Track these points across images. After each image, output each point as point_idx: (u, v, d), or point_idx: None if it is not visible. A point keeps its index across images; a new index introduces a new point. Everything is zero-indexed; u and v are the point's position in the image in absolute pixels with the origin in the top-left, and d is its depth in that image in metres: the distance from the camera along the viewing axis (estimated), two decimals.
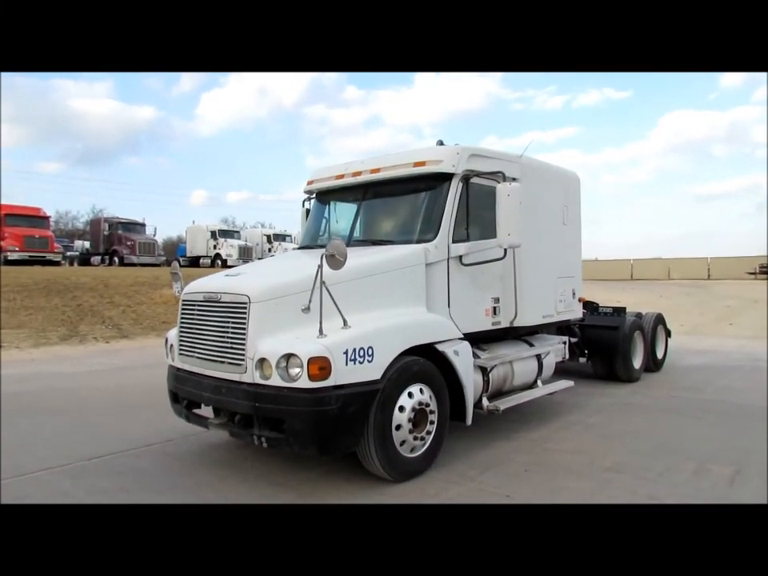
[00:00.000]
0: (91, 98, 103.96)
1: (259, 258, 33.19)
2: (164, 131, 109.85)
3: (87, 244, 35.93)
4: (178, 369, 4.98)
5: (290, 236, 36.62)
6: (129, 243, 29.45)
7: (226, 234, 33.72)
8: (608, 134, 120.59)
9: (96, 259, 30.25)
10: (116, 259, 29.28)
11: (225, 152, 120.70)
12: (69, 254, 34.68)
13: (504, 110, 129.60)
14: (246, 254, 31.75)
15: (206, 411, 4.89)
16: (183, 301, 4.96)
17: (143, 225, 31.78)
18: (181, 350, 4.90)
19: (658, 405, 7.04)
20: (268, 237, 35.30)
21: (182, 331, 4.92)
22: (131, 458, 5.21)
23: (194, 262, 32.58)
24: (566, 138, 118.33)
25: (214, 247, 32.83)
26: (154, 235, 32.78)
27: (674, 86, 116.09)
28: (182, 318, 4.94)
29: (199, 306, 4.76)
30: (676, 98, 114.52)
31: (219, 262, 31.81)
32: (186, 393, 4.86)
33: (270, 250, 34.25)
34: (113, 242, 29.97)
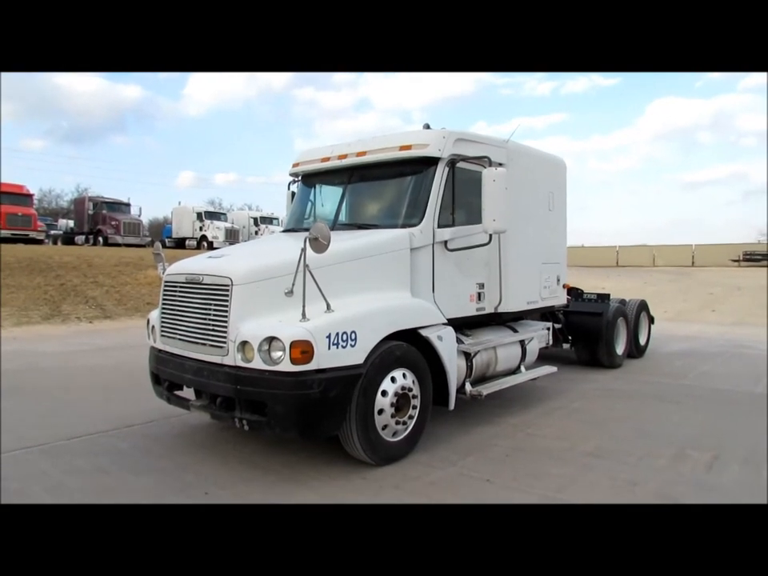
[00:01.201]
0: (78, 74, 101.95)
1: (245, 241, 33.07)
2: (151, 110, 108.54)
3: (71, 223, 35.41)
4: (160, 350, 4.94)
5: (277, 219, 36.29)
6: (113, 223, 29.05)
7: (213, 215, 33.33)
8: (596, 121, 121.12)
9: (80, 239, 29.85)
10: (100, 239, 28.90)
11: (212, 133, 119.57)
12: (52, 232, 34.17)
13: (493, 95, 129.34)
14: (232, 236, 31.44)
15: (188, 393, 4.86)
16: (165, 282, 4.90)
17: (128, 205, 31.38)
18: (162, 331, 4.85)
19: (639, 391, 7.10)
20: (255, 219, 34.98)
21: (163, 313, 4.86)
22: (111, 439, 5.19)
23: (180, 243, 32.21)
24: (555, 124, 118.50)
25: (200, 229, 32.42)
26: (139, 215, 32.40)
27: (662, 74, 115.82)
28: (164, 299, 4.88)
29: (181, 287, 4.70)
30: (663, 86, 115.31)
31: (205, 244, 31.44)
32: (168, 374, 4.82)
33: (256, 233, 33.95)
34: (97, 221, 29.56)
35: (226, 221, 33.39)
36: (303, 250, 4.00)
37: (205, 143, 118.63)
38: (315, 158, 5.99)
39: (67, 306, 13.91)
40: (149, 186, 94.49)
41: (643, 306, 9.51)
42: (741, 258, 45.70)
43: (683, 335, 11.91)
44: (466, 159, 5.35)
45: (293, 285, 4.11)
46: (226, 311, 4.26)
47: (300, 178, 6.36)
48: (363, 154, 5.52)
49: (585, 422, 5.75)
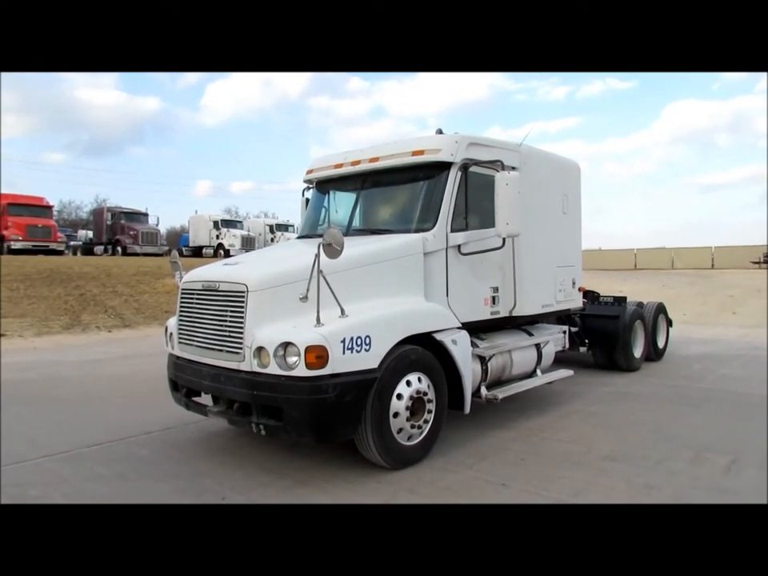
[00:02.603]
0: (97, 88, 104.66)
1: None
2: (169, 122, 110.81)
3: (90, 234, 35.99)
4: (178, 357, 5.01)
5: (292, 226, 36.58)
6: (132, 233, 29.51)
7: (229, 223, 33.74)
8: (612, 124, 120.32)
9: (99, 249, 30.34)
10: (119, 249, 29.37)
11: (229, 142, 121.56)
12: (72, 243, 34.78)
13: (508, 101, 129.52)
14: (248, 244, 31.78)
15: (206, 399, 4.92)
16: (182, 290, 4.97)
17: (146, 214, 31.86)
18: (180, 338, 4.92)
19: (657, 394, 7.03)
20: (270, 227, 35.36)
21: (181, 320, 4.94)
22: (130, 446, 5.25)
23: (197, 251, 32.62)
24: (570, 128, 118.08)
25: (217, 237, 32.85)
26: (157, 225, 32.88)
27: (678, 76, 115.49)
28: (182, 306, 4.95)
29: (198, 294, 4.77)
30: (680, 88, 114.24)
31: (222, 252, 31.84)
32: (186, 381, 4.88)
33: (272, 240, 34.29)
34: (116, 231, 30.05)
35: (242, 229, 33.75)
36: (317, 255, 4.05)
37: (222, 153, 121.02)
38: (329, 165, 6.05)
39: (87, 315, 14.13)
40: (167, 195, 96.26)
41: (661, 309, 9.40)
42: (761, 260, 44.92)
43: (702, 338, 11.77)
44: (478, 163, 5.37)
45: (307, 290, 4.16)
46: (242, 317, 4.31)
47: (314, 184, 6.42)
48: (376, 159, 5.57)
49: (601, 426, 5.72)
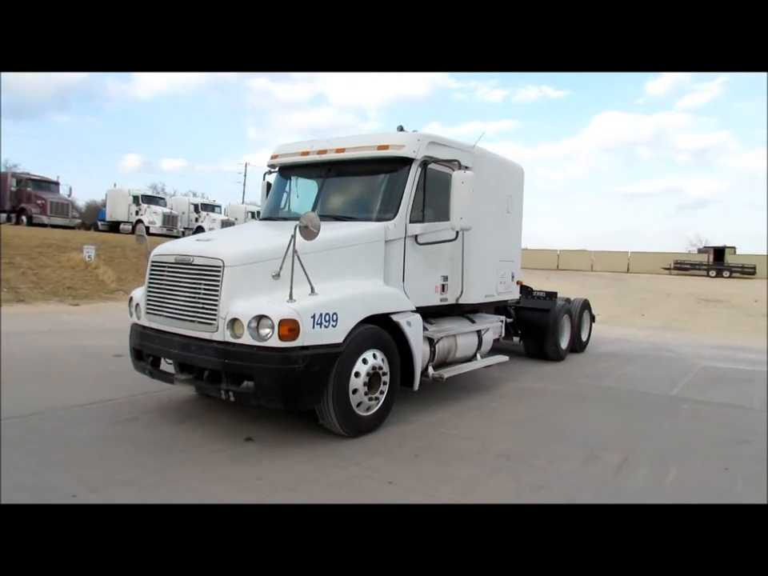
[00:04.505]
0: None
1: (185, 228, 32.64)
2: (97, 90, 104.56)
3: None
4: (144, 327, 5.32)
5: (219, 206, 36.10)
6: (39, 202, 27.99)
7: (150, 199, 32.66)
8: (545, 130, 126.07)
9: (1, 216, 28.57)
10: (23, 218, 27.79)
11: (162, 117, 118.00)
12: None
13: (447, 98, 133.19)
14: (170, 222, 31.05)
15: (168, 368, 5.31)
16: (153, 262, 5.29)
17: (57, 183, 30.29)
18: (149, 308, 5.25)
19: (560, 391, 7.35)
20: (195, 206, 34.58)
21: (150, 291, 5.25)
22: None
23: (114, 227, 31.42)
24: (506, 130, 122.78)
25: (136, 213, 31.76)
26: (69, 195, 31.36)
27: (607, 88, 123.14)
28: (151, 278, 5.27)
29: (170, 267, 5.11)
30: (607, 100, 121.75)
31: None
32: (153, 350, 5.22)
33: (196, 220, 33.65)
34: (21, 199, 28.36)
35: (165, 206, 32.82)
36: (293, 236, 4.52)
37: (153, 128, 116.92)
38: (295, 152, 6.50)
39: None
40: (91, 167, 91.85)
41: (586, 305, 10.58)
42: (672, 267, 49.28)
43: (612, 338, 12.59)
44: (437, 161, 6.02)
45: (280, 268, 4.64)
46: (217, 290, 4.71)
47: (277, 169, 6.84)
48: (342, 150, 6.09)
49: (500, 422, 5.86)
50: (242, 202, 44.64)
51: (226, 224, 32.13)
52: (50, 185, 29.69)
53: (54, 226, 26.49)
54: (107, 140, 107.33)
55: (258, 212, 31.91)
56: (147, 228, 30.16)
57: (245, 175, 61.23)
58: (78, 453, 4.53)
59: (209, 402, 5.97)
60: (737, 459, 4.99)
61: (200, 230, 32.50)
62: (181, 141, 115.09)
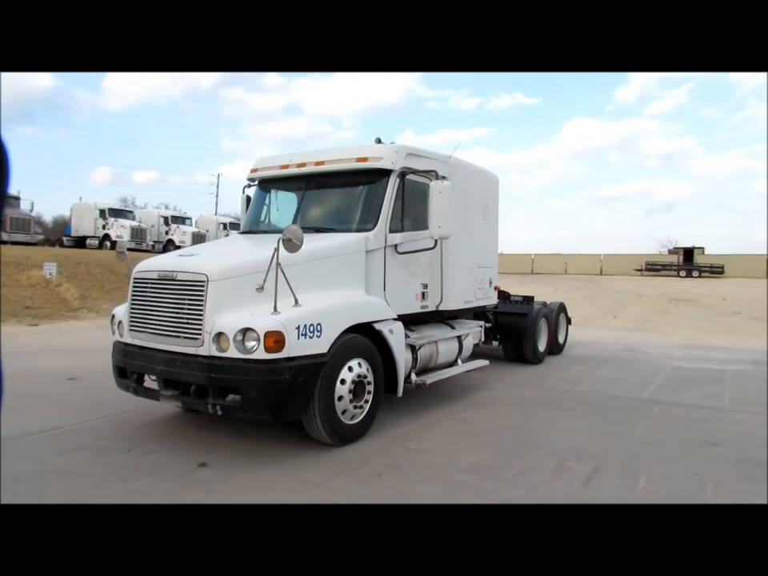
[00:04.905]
0: None
1: (155, 241, 32.36)
2: (65, 102, 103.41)
3: None
4: (127, 344, 5.38)
5: (189, 218, 35.88)
6: None
7: (118, 213, 32.24)
8: (518, 137, 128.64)
9: None
10: None
11: (133, 129, 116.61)
12: None
13: (421, 107, 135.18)
14: (139, 236, 30.73)
15: (152, 385, 5.28)
16: (135, 279, 5.35)
17: (17, 198, 29.71)
18: (132, 325, 5.30)
19: (533, 398, 7.32)
20: (165, 219, 34.33)
21: (133, 307, 5.31)
22: None
23: (80, 242, 30.95)
24: (480, 137, 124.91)
25: (103, 227, 31.40)
26: (31, 210, 30.80)
27: (578, 95, 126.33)
28: (134, 295, 5.33)
29: (153, 283, 5.18)
30: (578, 107, 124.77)
31: (108, 244, 30.56)
32: (137, 367, 5.26)
33: (167, 233, 33.39)
34: None
35: (133, 219, 32.48)
36: (276, 249, 4.65)
37: (125, 139, 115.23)
38: (274, 165, 6.64)
39: None
40: (59, 181, 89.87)
41: (562, 308, 10.91)
42: (643, 268, 50.54)
43: (585, 340, 12.72)
44: (415, 172, 6.22)
45: (264, 281, 4.76)
46: (202, 305, 4.80)
47: (257, 182, 6.96)
48: (321, 163, 6.26)
49: (470, 434, 5.77)
50: (215, 214, 44.48)
51: (197, 236, 32.14)
52: (11, 199, 29.07)
53: (14, 243, 25.99)
54: (77, 153, 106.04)
55: (230, 223, 32.38)
56: (114, 242, 29.90)
57: (217, 186, 61.04)
58: (13, 491, 3.95)
59: (163, 425, 5.89)
60: (707, 463, 4.99)
61: (170, 243, 32.35)
62: (153, 152, 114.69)
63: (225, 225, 36.03)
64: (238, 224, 35.49)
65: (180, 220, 34.60)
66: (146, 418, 6.06)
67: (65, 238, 32.62)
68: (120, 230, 30.85)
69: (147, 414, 6.18)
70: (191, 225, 34.89)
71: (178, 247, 31.23)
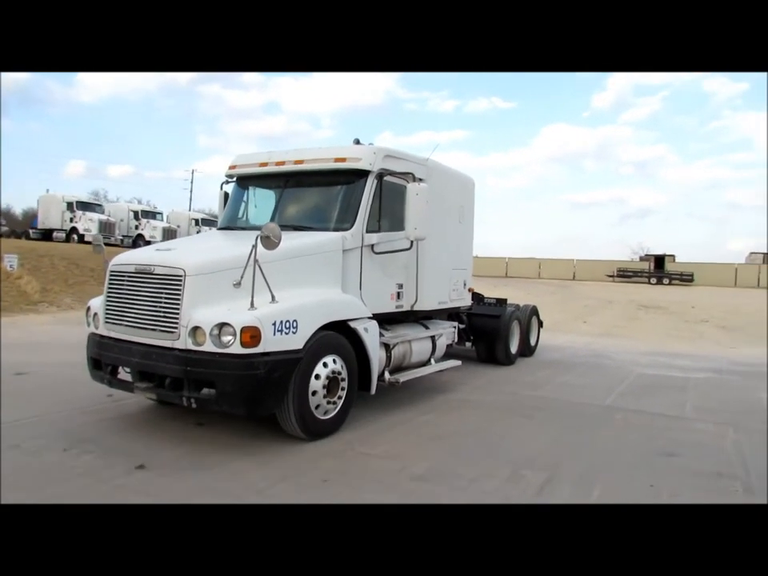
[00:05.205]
0: None
1: (124, 235, 31.97)
2: (39, 95, 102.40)
3: None
4: (102, 336, 5.44)
5: (160, 213, 35.54)
6: None
7: (86, 206, 31.87)
8: (495, 140, 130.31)
9: None
10: None
11: (108, 123, 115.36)
12: None
13: (399, 108, 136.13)
14: (107, 230, 30.28)
15: (126, 376, 5.39)
16: (111, 272, 5.41)
17: None
18: (107, 318, 5.37)
19: (494, 402, 7.26)
20: (135, 213, 33.92)
21: (109, 300, 5.38)
22: None
23: (47, 235, 30.44)
24: (457, 140, 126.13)
25: (71, 220, 30.97)
26: None
27: (555, 101, 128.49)
28: (110, 287, 5.39)
29: (129, 276, 5.25)
30: (555, 112, 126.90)
31: (75, 237, 30.13)
32: (112, 359, 5.34)
33: (136, 228, 33.02)
34: None
35: (102, 212, 32.06)
36: (254, 246, 4.76)
37: (99, 133, 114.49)
38: (253, 163, 6.75)
39: None
40: (31, 174, 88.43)
41: (534, 311, 11.20)
42: (615, 274, 51.66)
43: (553, 345, 12.65)
44: (393, 174, 6.40)
45: (241, 277, 4.88)
46: (179, 299, 4.90)
47: (235, 179, 7.06)
48: (301, 162, 6.39)
49: (427, 438, 5.68)
50: (189, 209, 44.08)
51: (167, 231, 31.87)
52: None
53: None
54: (51, 146, 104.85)
55: (202, 219, 32.19)
56: (82, 236, 29.52)
57: (192, 182, 60.47)
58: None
59: (107, 423, 5.75)
60: (663, 474, 4.93)
61: (140, 237, 32.02)
62: (128, 147, 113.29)
63: (197, 221, 35.84)
64: (210, 220, 36.07)
65: (150, 215, 34.23)
66: (91, 416, 5.95)
67: (31, 231, 32.03)
68: (88, 223, 30.49)
69: (94, 411, 6.12)
70: (162, 220, 34.54)
71: (148, 242, 30.96)
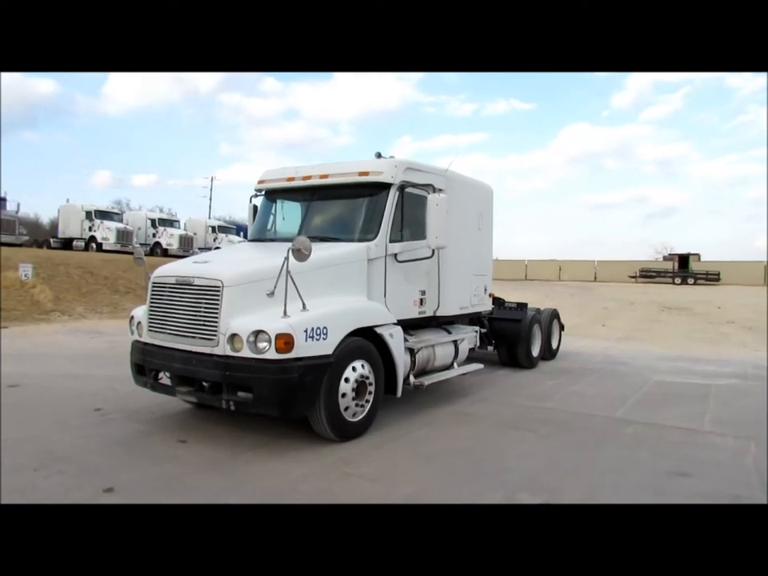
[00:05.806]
0: None
1: (142, 243, 32.80)
2: (67, 107, 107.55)
3: None
4: (145, 343, 5.93)
5: (177, 221, 36.38)
6: None
7: (104, 215, 32.82)
8: (514, 142, 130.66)
9: None
10: None
11: (133, 133, 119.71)
12: None
13: (418, 112, 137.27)
14: (124, 238, 31.30)
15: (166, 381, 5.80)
16: (154, 283, 5.91)
17: (3, 200, 30.36)
18: (150, 326, 5.86)
19: (496, 415, 7.00)
20: (153, 221, 34.79)
21: (152, 310, 5.87)
22: None
23: (67, 244, 31.40)
24: (476, 142, 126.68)
25: (90, 229, 31.94)
26: (17, 212, 31.31)
27: (574, 101, 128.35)
28: (153, 298, 5.89)
29: (171, 287, 5.74)
30: (574, 113, 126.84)
31: (94, 246, 31.05)
32: (155, 365, 5.83)
33: (154, 235, 33.88)
34: None
35: (120, 221, 32.97)
36: (286, 258, 5.21)
37: (124, 144, 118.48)
38: (281, 177, 7.25)
39: None
40: (60, 184, 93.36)
41: (555, 315, 11.57)
42: (637, 275, 51.39)
43: (568, 351, 12.38)
44: (414, 185, 6.83)
45: (275, 287, 5.33)
46: (217, 308, 5.36)
47: (264, 193, 7.56)
48: (326, 176, 6.87)
49: (418, 456, 5.50)
50: (209, 217, 44.96)
51: (184, 239, 32.69)
52: None
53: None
54: (77, 156, 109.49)
55: (219, 227, 33.04)
56: (100, 245, 30.41)
57: (211, 190, 61.68)
58: None
59: (81, 441, 5.65)
60: (671, 497, 4.55)
61: (157, 245, 32.86)
62: (152, 156, 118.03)
63: (213, 228, 36.63)
64: (227, 227, 36.93)
65: (168, 222, 35.09)
66: (72, 432, 5.90)
67: (52, 240, 33.04)
68: (106, 231, 31.42)
69: (76, 426, 6.08)
70: (179, 227, 35.37)
71: (165, 250, 31.81)
